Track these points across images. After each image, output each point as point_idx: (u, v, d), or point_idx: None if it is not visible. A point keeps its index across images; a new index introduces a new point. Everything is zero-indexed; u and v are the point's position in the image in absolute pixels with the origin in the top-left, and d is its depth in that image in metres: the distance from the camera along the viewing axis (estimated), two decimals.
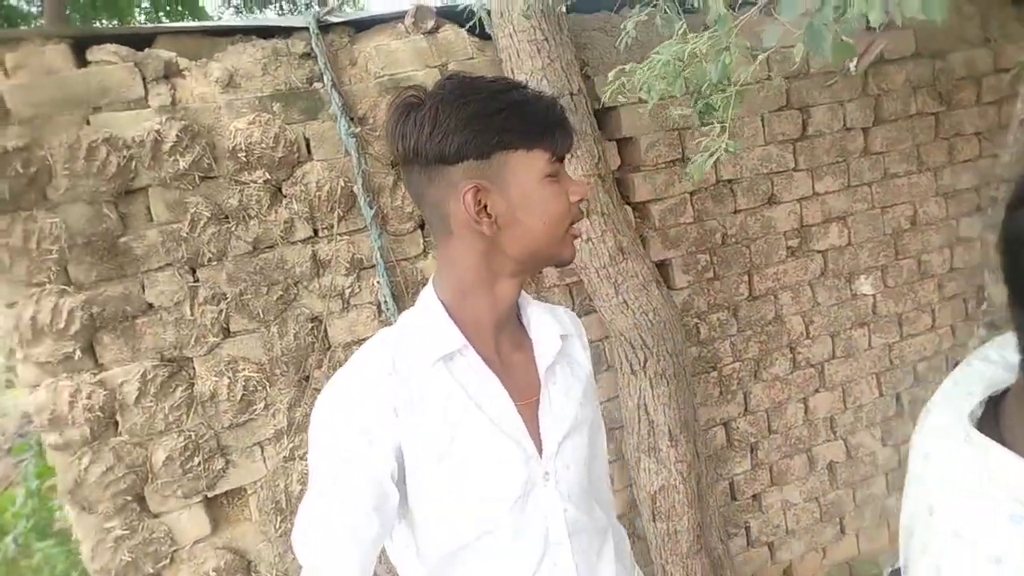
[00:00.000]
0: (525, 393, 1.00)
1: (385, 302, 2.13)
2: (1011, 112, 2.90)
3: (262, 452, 2.09)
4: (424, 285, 1.01)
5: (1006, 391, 0.70)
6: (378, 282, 2.13)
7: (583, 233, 1.98)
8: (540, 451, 0.99)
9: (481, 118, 0.90)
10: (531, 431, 0.99)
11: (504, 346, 1.02)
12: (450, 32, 2.23)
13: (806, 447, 2.82)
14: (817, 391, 2.79)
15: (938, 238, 2.90)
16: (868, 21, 0.98)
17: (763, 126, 2.57)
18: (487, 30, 2.21)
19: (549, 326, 1.06)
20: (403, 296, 2.17)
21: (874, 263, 2.81)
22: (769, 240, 2.63)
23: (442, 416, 0.93)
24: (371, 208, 2.09)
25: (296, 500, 2.09)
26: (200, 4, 8.33)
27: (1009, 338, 0.67)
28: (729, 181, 2.54)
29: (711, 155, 1.38)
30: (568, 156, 1.02)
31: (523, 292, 1.06)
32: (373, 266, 2.14)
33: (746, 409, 2.69)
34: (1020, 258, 0.60)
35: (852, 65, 2.63)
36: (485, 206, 0.92)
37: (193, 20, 7.85)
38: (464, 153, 0.90)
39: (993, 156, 2.94)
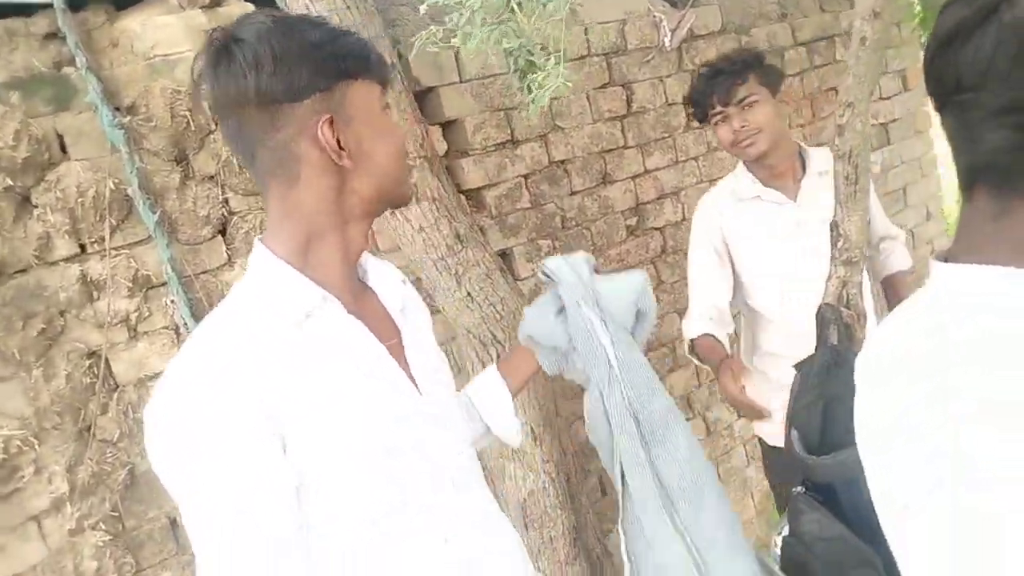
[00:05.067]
0: (386, 337, 0.94)
1: (185, 324, 1.77)
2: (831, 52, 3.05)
3: (39, 528, 1.65)
4: None
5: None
6: (172, 301, 1.77)
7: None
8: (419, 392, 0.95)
9: (320, 48, 0.85)
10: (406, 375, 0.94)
11: (357, 296, 0.95)
12: (234, 6, 1.92)
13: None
14: (672, 370, 2.74)
15: None
16: None
17: (589, 104, 2.49)
18: (277, 2, 1.93)
19: (388, 273, 1.03)
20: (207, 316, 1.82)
21: None
22: (608, 220, 2.54)
23: (318, 386, 0.84)
24: (154, 213, 1.73)
25: None
26: None
27: None
28: (562, 162, 2.43)
29: (544, 88, 1.21)
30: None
31: None
32: (164, 283, 1.78)
33: None
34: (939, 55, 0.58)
35: (666, 40, 2.63)
36: (339, 140, 0.86)
37: None
38: (312, 86, 0.85)
39: (819, 121, 3.08)
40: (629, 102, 2.58)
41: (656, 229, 2.67)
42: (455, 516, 0.94)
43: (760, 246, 1.85)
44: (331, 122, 0.85)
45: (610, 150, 2.54)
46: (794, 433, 1.46)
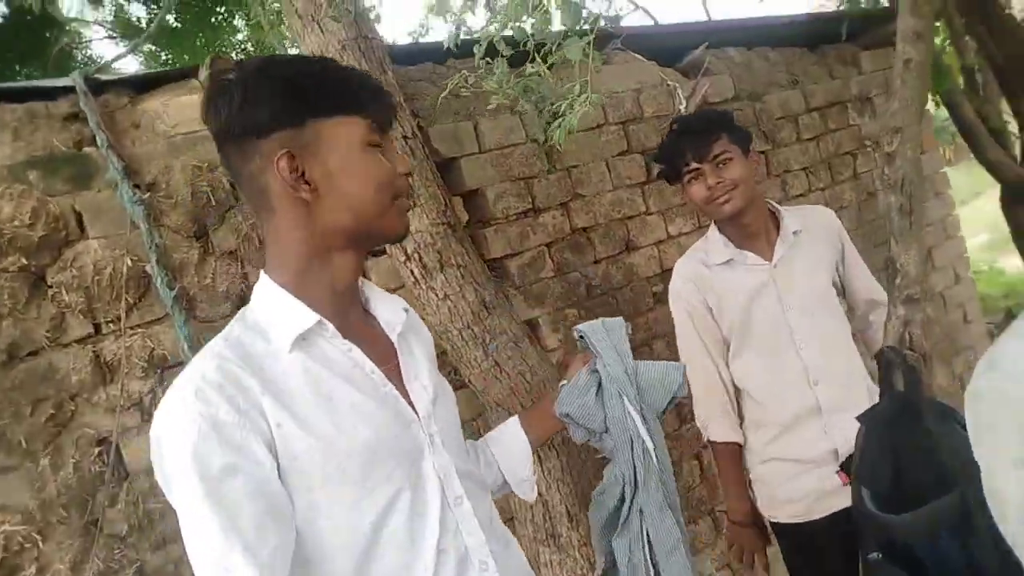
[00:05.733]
0: (383, 361, 0.96)
1: None
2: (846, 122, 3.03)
3: None
4: None
5: None
6: None
7: (411, 206, 1.88)
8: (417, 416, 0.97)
9: (290, 86, 0.89)
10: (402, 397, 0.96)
11: (353, 323, 0.97)
12: None
13: (708, 508, 2.59)
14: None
15: None
16: None
17: (609, 171, 2.47)
18: None
19: (391, 301, 1.06)
20: None
21: None
22: (634, 288, 2.47)
23: (312, 405, 0.87)
24: (171, 290, 1.67)
25: None
26: None
27: None
28: (585, 229, 2.38)
29: (566, 119, 1.17)
30: (392, 131, 1.00)
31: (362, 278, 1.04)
32: (181, 363, 1.70)
33: None
34: None
35: (682, 108, 2.64)
36: (303, 173, 0.89)
37: None
38: (276, 122, 0.88)
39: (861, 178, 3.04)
40: (649, 169, 2.56)
41: None
42: (454, 534, 0.94)
43: (735, 310, 1.76)
44: (290, 156, 0.88)
45: (632, 216, 2.50)
46: (864, 491, 1.33)
